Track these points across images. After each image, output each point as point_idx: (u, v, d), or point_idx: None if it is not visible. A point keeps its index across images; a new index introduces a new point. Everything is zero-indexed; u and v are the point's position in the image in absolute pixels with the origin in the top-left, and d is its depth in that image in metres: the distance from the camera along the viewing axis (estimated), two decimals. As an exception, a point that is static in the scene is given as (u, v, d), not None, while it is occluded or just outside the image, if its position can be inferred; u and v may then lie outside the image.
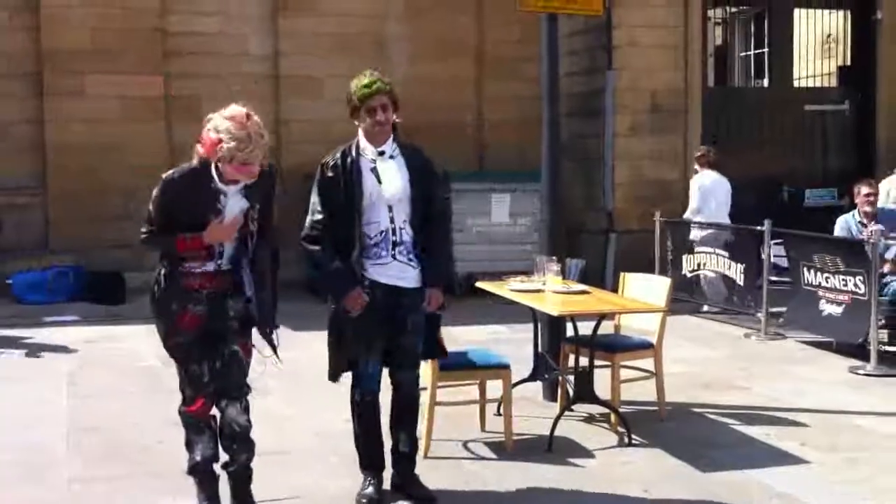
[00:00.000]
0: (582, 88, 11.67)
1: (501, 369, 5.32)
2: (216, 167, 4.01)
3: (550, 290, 5.71)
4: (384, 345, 4.47)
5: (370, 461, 4.56)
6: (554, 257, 5.99)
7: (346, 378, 4.54)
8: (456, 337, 7.47)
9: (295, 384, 6.18)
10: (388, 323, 4.45)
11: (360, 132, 4.50)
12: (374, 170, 4.43)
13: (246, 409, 4.16)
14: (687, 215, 9.73)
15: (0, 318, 8.98)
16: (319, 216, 4.44)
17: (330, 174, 4.44)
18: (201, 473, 4.18)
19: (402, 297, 4.43)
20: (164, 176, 4.08)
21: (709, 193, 9.52)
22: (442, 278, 4.54)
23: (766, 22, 15.52)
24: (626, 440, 5.36)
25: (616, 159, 11.28)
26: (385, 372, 4.57)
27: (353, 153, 4.45)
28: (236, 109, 4.02)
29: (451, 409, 5.42)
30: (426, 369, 5.12)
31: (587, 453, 5.21)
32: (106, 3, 10.93)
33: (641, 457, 5.19)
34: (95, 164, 10.70)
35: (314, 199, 4.47)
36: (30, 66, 10.73)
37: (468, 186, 10.53)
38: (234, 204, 4.04)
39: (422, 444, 5.03)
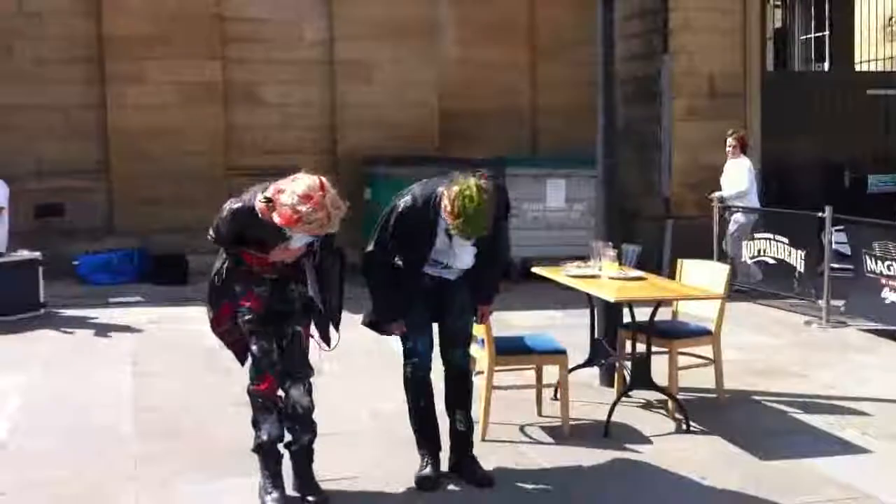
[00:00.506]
0: (638, 73, 11.56)
1: (558, 354, 5.32)
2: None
3: (606, 276, 5.68)
4: (432, 323, 4.59)
5: (426, 441, 4.61)
6: (610, 243, 5.96)
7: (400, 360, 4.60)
8: (511, 322, 7.50)
9: (347, 366, 6.24)
10: (436, 304, 4.56)
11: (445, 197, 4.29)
12: (448, 233, 4.37)
13: (309, 391, 4.23)
14: (728, 194, 9.62)
15: (67, 298, 9.19)
16: (389, 245, 4.44)
17: (410, 221, 4.39)
18: (266, 452, 4.25)
19: (450, 280, 4.56)
20: (232, 206, 4.09)
21: (754, 178, 9.51)
22: (492, 297, 4.74)
23: (826, 5, 15.24)
24: (684, 427, 5.33)
25: (673, 145, 11.18)
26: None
27: (434, 211, 4.34)
28: (310, 186, 3.87)
29: (508, 394, 5.43)
30: (483, 354, 5.15)
31: (644, 439, 5.20)
32: (164, -11, 11.08)
33: (699, 443, 5.16)
34: (154, 149, 10.87)
35: (388, 230, 4.42)
36: (91, 51, 10.93)
37: (524, 171, 10.51)
38: (299, 238, 4.08)
39: (479, 427, 5.07)
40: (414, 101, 11.69)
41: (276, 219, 3.90)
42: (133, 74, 10.95)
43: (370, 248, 4.48)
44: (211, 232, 4.20)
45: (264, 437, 4.24)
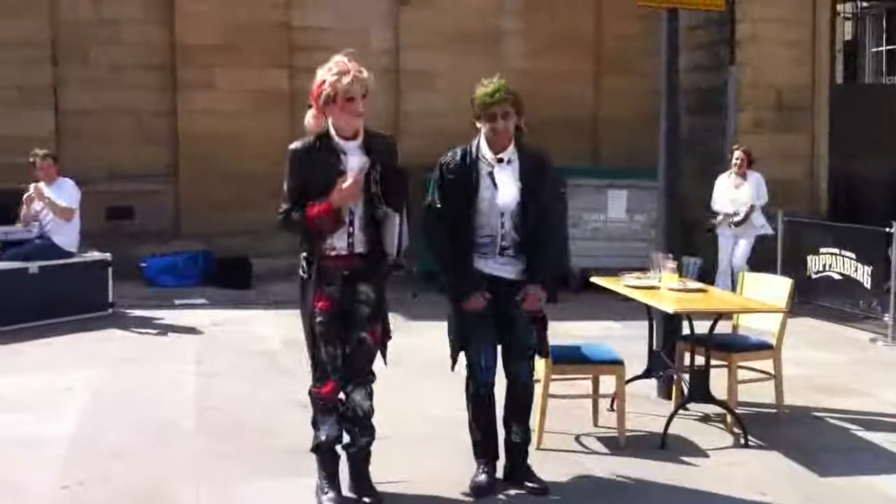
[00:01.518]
0: (703, 84, 11.46)
1: (615, 365, 5.31)
2: (331, 124, 4.19)
3: (666, 288, 5.66)
4: (496, 336, 4.53)
5: (484, 450, 4.63)
6: (670, 254, 5.94)
7: (460, 367, 4.62)
8: (569, 331, 7.48)
9: (406, 371, 6.31)
10: (498, 315, 4.51)
11: (482, 136, 4.53)
12: (490, 174, 4.48)
13: (370, 395, 4.29)
14: (759, 204, 9.48)
15: (134, 299, 9.42)
16: (439, 206, 4.53)
17: (450, 175, 4.52)
18: (325, 452, 4.33)
19: (508, 287, 4.48)
20: (289, 147, 4.28)
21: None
22: (542, 275, 4.51)
23: (899, 16, 14.92)
24: (742, 441, 5.27)
25: (739, 157, 11.02)
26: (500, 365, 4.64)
27: (473, 156, 4.51)
28: (332, 61, 4.27)
29: (565, 403, 5.44)
30: (540, 363, 5.16)
31: (701, 452, 5.16)
32: (234, 0, 11.31)
33: (757, 459, 5.10)
34: (222, 155, 11.09)
35: (435, 193, 4.55)
36: (164, 59, 11.20)
37: (585, 181, 10.50)
38: (354, 161, 4.18)
39: (535, 435, 5.09)
40: (476, 111, 11.74)
41: (313, 113, 4.22)
42: (203, 81, 11.20)
43: (425, 203, 4.57)
44: (280, 207, 4.30)
45: (322, 438, 4.31)
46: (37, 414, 5.72)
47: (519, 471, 4.61)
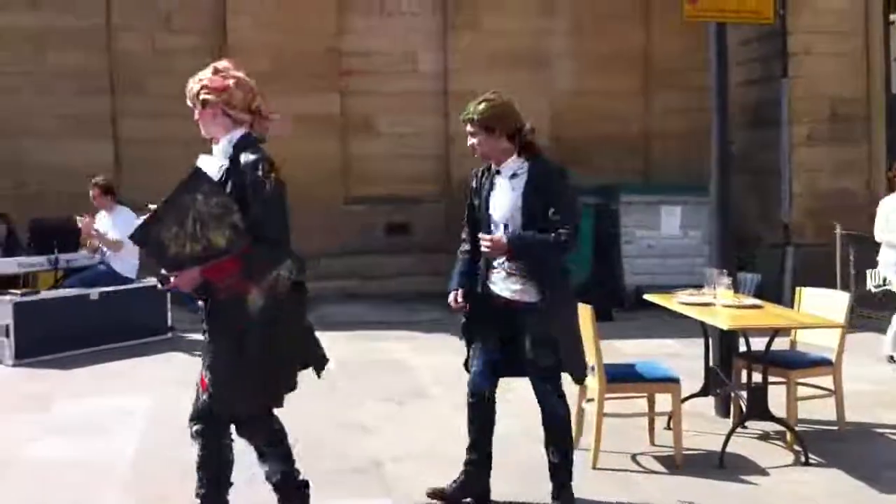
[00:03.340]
0: (755, 98, 11.35)
1: (670, 383, 5.26)
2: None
3: (720, 304, 5.60)
4: (493, 348, 4.46)
5: (468, 459, 4.56)
6: (724, 271, 5.87)
7: (519, 386, 4.61)
8: (623, 349, 7.45)
9: (456, 390, 6.32)
10: (507, 333, 4.43)
11: None
12: (493, 186, 4.47)
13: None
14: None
15: (192, 324, 9.51)
16: (464, 222, 4.61)
17: (473, 184, 4.60)
18: None
19: (517, 311, 4.38)
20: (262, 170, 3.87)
21: None
22: (517, 240, 4.29)
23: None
24: (803, 459, 5.18)
25: (793, 170, 10.91)
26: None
27: (493, 168, 4.50)
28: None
29: (620, 422, 5.40)
30: (594, 381, 5.14)
31: (761, 471, 5.08)
32: (285, 26, 11.47)
33: (818, 477, 5.01)
34: (275, 179, 11.24)
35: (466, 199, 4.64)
36: (217, 87, 11.39)
37: (638, 198, 10.45)
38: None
39: (590, 455, 5.06)
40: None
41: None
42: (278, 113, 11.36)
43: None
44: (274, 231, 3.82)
45: None
46: (98, 437, 5.83)
47: (558, 493, 4.46)
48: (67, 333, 8.14)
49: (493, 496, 4.66)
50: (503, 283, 4.40)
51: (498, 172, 4.44)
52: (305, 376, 7.43)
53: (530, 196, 4.30)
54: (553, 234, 4.23)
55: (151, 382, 7.18)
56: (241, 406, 3.92)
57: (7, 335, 7.85)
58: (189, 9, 11.49)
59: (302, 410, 6.32)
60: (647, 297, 6.24)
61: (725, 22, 6.43)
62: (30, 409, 6.50)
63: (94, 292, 8.46)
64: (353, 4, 11.82)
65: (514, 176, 4.38)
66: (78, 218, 8.66)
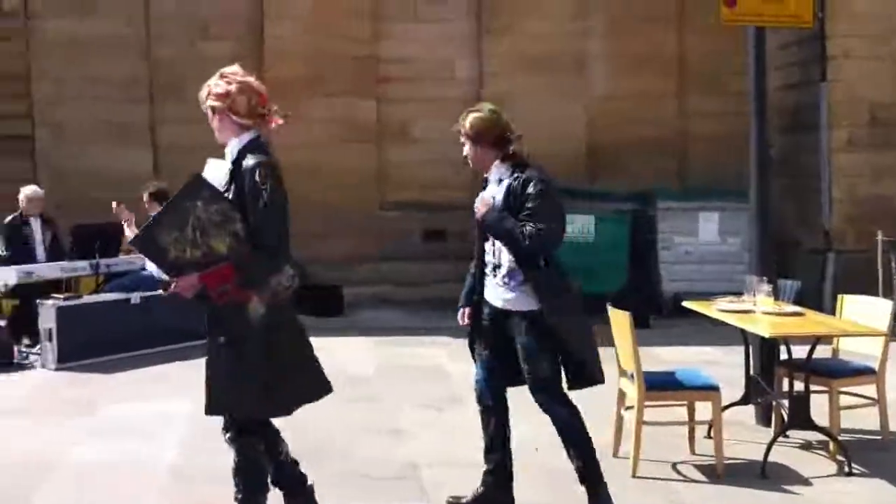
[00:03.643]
0: (794, 102, 11.24)
1: (711, 391, 5.22)
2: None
3: (760, 311, 5.55)
4: (494, 358, 4.50)
5: (485, 459, 4.58)
6: (764, 277, 5.82)
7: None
8: (662, 356, 7.41)
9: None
10: (501, 342, 4.47)
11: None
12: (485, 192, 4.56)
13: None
14: None
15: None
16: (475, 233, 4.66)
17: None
18: None
19: (508, 319, 4.42)
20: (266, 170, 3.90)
21: None
22: (495, 213, 4.36)
23: None
24: (846, 469, 5.12)
25: (833, 176, 10.78)
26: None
27: (485, 175, 4.62)
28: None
29: (660, 430, 5.36)
30: (633, 388, 5.12)
31: (803, 481, 5.03)
32: (322, 33, 11.56)
33: (861, 487, 4.95)
34: (309, 185, 11.23)
35: None
36: (254, 93, 11.49)
37: (675, 204, 10.38)
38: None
39: (629, 463, 5.04)
40: (561, 135, 11.73)
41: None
42: (293, 114, 11.42)
43: None
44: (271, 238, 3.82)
45: None
46: (139, 440, 5.89)
47: (595, 499, 4.44)
48: (109, 337, 8.23)
49: (528, 501, 4.65)
50: (495, 292, 4.46)
51: (486, 179, 4.57)
52: (343, 382, 7.47)
53: (507, 200, 4.37)
54: (520, 227, 4.28)
55: (192, 387, 7.14)
56: (238, 412, 3.97)
57: (50, 339, 7.96)
58: (227, 16, 11.60)
59: (339, 416, 6.38)
60: (685, 304, 6.21)
61: (764, 26, 6.39)
62: (72, 413, 6.59)
63: (135, 297, 8.55)
64: (388, 11, 11.87)
65: (500, 181, 4.47)
66: (114, 204, 8.79)
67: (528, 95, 11.70)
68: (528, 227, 4.25)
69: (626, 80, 11.86)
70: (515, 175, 4.39)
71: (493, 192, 4.45)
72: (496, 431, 4.55)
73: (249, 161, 3.81)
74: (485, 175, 4.58)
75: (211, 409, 3.99)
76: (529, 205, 4.29)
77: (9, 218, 9.03)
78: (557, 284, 4.38)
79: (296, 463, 4.15)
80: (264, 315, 3.82)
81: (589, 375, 4.42)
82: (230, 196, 3.82)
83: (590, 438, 4.50)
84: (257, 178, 3.75)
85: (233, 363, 3.86)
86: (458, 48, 11.97)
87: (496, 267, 4.45)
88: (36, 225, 9.06)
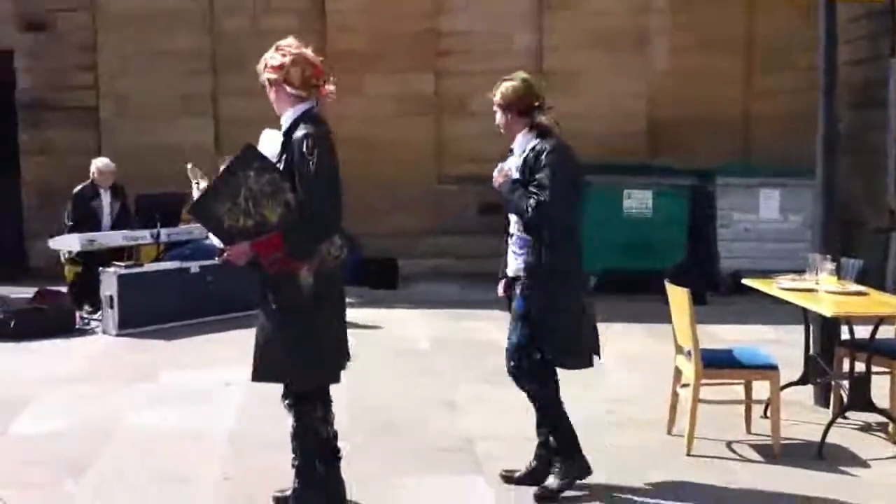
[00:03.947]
0: (862, 77, 10.95)
1: (769, 370, 5.15)
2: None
3: (823, 290, 5.45)
4: (512, 318, 4.53)
5: (538, 440, 4.65)
6: (828, 256, 5.72)
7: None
8: (719, 335, 7.33)
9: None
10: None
11: None
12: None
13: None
14: None
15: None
16: None
17: None
18: None
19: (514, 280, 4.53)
20: (313, 139, 3.95)
21: None
22: (509, 183, 4.43)
23: None
24: (907, 452, 5.03)
25: (900, 153, 10.50)
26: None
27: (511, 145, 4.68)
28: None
29: (716, 409, 5.31)
30: (689, 366, 5.08)
31: (861, 463, 4.95)
32: (383, 7, 11.56)
33: (923, 471, 4.86)
34: (369, 158, 11.32)
35: None
36: (315, 67, 11.55)
37: (736, 181, 10.21)
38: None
39: (684, 441, 5.02)
40: (622, 111, 11.61)
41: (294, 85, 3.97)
42: (352, 87, 11.47)
43: None
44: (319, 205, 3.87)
45: None
46: (198, 408, 6.02)
47: (561, 469, 4.50)
48: (168, 305, 8.39)
49: (581, 483, 4.65)
50: (511, 261, 4.53)
51: (510, 151, 4.61)
52: (399, 355, 7.55)
53: (523, 170, 4.42)
54: (526, 198, 4.33)
55: (250, 355, 7.32)
56: (286, 379, 4.06)
57: (111, 306, 8.14)
58: (288, -11, 11.67)
59: (395, 389, 6.44)
60: (746, 281, 6.12)
61: (836, 1, 6.22)
62: (132, 379, 6.74)
63: (194, 265, 8.69)
64: (448, -16, 11.82)
65: (522, 151, 4.51)
66: (188, 165, 8.91)
67: (588, 71, 11.59)
68: (532, 199, 4.30)
69: (689, 56, 11.66)
70: (533, 145, 4.43)
71: (514, 163, 4.50)
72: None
73: (299, 132, 3.88)
74: (510, 146, 4.61)
75: (258, 376, 4.06)
76: (538, 175, 4.33)
77: (78, 188, 9.18)
78: (555, 251, 4.35)
79: (335, 435, 4.20)
80: (312, 284, 3.90)
81: (573, 357, 4.47)
82: (281, 166, 3.89)
83: (563, 412, 4.49)
84: (304, 148, 3.82)
85: (282, 331, 3.94)
86: (518, 22, 11.86)
87: (510, 235, 4.55)
88: (105, 197, 9.20)
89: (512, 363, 4.48)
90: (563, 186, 4.32)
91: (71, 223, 9.05)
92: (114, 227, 9.14)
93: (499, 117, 4.56)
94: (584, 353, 4.49)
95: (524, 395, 4.54)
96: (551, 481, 4.47)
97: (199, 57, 11.56)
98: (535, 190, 4.31)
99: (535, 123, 4.47)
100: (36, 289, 8.68)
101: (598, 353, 4.56)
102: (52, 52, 11.49)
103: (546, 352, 4.41)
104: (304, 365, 3.97)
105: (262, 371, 4.05)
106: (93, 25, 11.54)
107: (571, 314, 4.41)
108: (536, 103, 4.49)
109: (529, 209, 4.30)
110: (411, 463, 4.96)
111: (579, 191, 4.52)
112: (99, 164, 9.24)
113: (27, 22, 11.45)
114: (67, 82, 11.54)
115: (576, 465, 4.48)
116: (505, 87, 4.53)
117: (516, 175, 4.43)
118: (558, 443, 4.50)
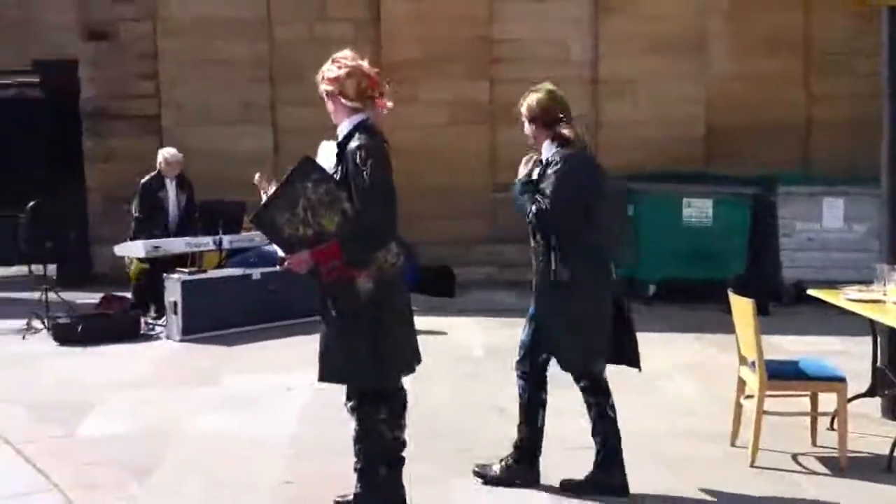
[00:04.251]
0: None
1: (836, 382, 5.07)
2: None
3: (892, 301, 5.34)
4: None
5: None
6: None
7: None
8: (783, 346, 7.22)
9: (609, 381, 6.27)
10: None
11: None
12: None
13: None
14: None
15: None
16: None
17: None
18: None
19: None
20: (369, 151, 4.02)
21: None
22: (527, 184, 4.60)
23: None
24: (980, 468, 4.91)
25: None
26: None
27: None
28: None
29: (781, 420, 5.23)
30: (754, 377, 5.01)
31: (932, 478, 4.85)
32: (438, 15, 11.59)
33: None
34: (423, 166, 11.36)
35: None
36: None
37: (798, 189, 10.05)
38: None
39: (748, 453, 4.96)
40: (679, 118, 11.52)
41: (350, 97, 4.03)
42: (407, 96, 11.54)
43: None
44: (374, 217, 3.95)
45: None
46: (260, 413, 6.09)
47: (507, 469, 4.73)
48: (231, 311, 8.50)
49: (645, 489, 4.62)
50: (534, 264, 4.68)
51: (534, 161, 4.75)
52: (453, 361, 7.55)
53: (541, 178, 4.57)
54: (530, 204, 4.52)
55: (311, 360, 7.32)
56: (347, 381, 4.14)
57: (175, 312, 8.27)
58: (345, -1, 11.77)
59: (449, 394, 6.45)
60: (812, 292, 6.02)
61: (899, 6, 6.10)
62: (196, 384, 6.85)
63: (256, 272, 8.79)
64: (503, -9, 11.83)
65: (546, 164, 4.62)
66: (256, 175, 9.02)
67: (645, 76, 11.52)
68: (534, 205, 4.48)
69: (748, 61, 11.54)
70: (552, 154, 4.57)
71: (538, 170, 4.64)
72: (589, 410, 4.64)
73: (353, 143, 3.96)
74: (537, 156, 4.71)
75: (323, 377, 4.17)
76: (543, 184, 4.50)
77: (146, 178, 9.31)
78: (559, 266, 4.50)
79: (404, 443, 4.23)
80: (372, 290, 3.97)
81: (563, 359, 4.60)
82: (338, 176, 3.98)
83: (536, 415, 4.65)
84: (358, 159, 3.91)
85: (342, 336, 4.03)
86: (573, 28, 11.82)
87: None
88: (171, 187, 9.34)
89: (518, 358, 4.70)
90: (565, 196, 4.45)
91: (138, 214, 9.21)
92: (181, 219, 9.26)
93: (526, 128, 4.70)
94: (585, 354, 4.57)
95: (579, 401, 4.54)
96: (582, 480, 4.59)
97: (257, 65, 11.70)
98: (539, 196, 4.49)
99: (557, 134, 4.59)
100: (102, 294, 8.85)
101: (614, 359, 4.64)
102: (114, 62, 11.71)
103: (559, 357, 4.59)
104: (363, 367, 4.03)
105: (325, 373, 4.15)
106: (154, 35, 11.74)
107: (572, 317, 4.53)
108: (561, 115, 4.62)
109: (530, 213, 4.50)
110: (464, 468, 4.95)
111: (595, 200, 4.57)
112: (166, 153, 9.36)
113: (90, 31, 11.69)
114: (129, 91, 11.76)
115: (609, 479, 4.53)
116: (531, 100, 4.68)
117: (535, 176, 4.62)
118: (525, 444, 4.68)
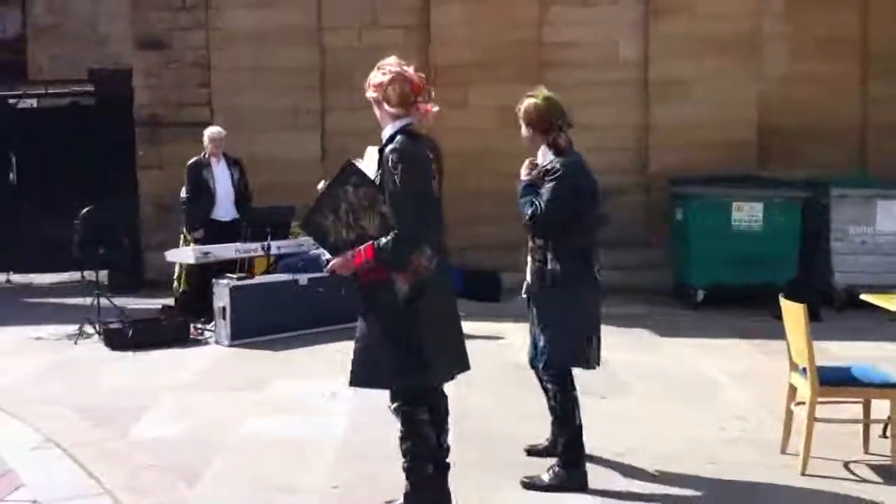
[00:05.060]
0: None
1: (889, 388, 4.96)
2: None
3: (949, 307, 5.23)
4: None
5: None
6: (953, 270, 5.48)
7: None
8: (835, 351, 7.09)
9: (658, 387, 6.20)
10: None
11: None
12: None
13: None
14: None
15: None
16: None
17: None
18: None
19: None
20: (407, 157, 4.12)
21: None
22: (528, 185, 4.77)
23: None
24: None
25: None
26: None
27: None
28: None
29: (832, 427, 5.14)
30: (805, 383, 4.92)
31: None
32: (487, 19, 11.58)
33: None
34: (473, 169, 11.36)
35: None
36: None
37: (852, 192, 9.87)
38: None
39: (799, 461, 4.87)
40: (731, 120, 11.36)
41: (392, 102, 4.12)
42: (457, 100, 11.54)
43: None
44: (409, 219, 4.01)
45: None
46: (306, 417, 6.13)
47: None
48: (279, 317, 8.57)
49: (696, 496, 4.55)
50: (527, 268, 4.87)
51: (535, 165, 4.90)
52: (502, 367, 7.53)
53: (540, 183, 4.74)
54: (525, 206, 4.73)
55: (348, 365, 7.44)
56: (380, 384, 4.17)
57: (224, 317, 8.37)
58: (394, 5, 11.81)
59: (498, 401, 6.43)
60: (865, 297, 5.90)
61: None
62: (245, 388, 6.91)
63: (303, 278, 8.86)
64: (554, -5, 11.79)
65: (541, 165, 4.81)
66: (319, 185, 9.13)
67: (696, 78, 11.39)
68: (530, 208, 4.68)
69: (804, 63, 11.35)
70: (549, 161, 4.73)
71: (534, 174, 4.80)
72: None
73: (389, 147, 4.03)
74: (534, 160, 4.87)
75: (354, 380, 4.20)
76: (542, 190, 4.68)
77: (193, 160, 9.48)
78: (550, 267, 4.72)
79: (448, 449, 4.24)
80: (408, 293, 4.01)
81: (547, 356, 4.81)
82: (378, 180, 4.04)
83: (576, 420, 4.78)
84: (390, 164, 3.97)
85: (379, 337, 4.08)
86: (624, 31, 11.73)
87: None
88: (217, 167, 9.46)
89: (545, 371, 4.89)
90: (555, 201, 4.63)
91: (187, 195, 9.38)
92: (236, 195, 9.38)
93: (523, 131, 4.83)
94: (566, 354, 4.80)
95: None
96: (543, 477, 4.69)
97: (308, 72, 11.80)
98: (537, 200, 4.68)
99: (553, 142, 4.74)
100: (160, 304, 8.96)
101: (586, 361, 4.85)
102: (167, 70, 11.92)
103: (551, 359, 4.78)
104: (401, 367, 4.06)
105: (358, 375, 4.18)
106: (206, 43, 11.91)
107: (561, 317, 4.71)
108: (558, 121, 4.75)
109: (525, 215, 4.70)
110: (515, 476, 4.93)
111: (587, 204, 4.78)
112: (209, 132, 9.51)
113: (144, 40, 11.90)
114: (182, 99, 11.94)
115: (571, 476, 4.64)
116: (527, 105, 4.81)
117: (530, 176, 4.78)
118: (564, 447, 4.74)
